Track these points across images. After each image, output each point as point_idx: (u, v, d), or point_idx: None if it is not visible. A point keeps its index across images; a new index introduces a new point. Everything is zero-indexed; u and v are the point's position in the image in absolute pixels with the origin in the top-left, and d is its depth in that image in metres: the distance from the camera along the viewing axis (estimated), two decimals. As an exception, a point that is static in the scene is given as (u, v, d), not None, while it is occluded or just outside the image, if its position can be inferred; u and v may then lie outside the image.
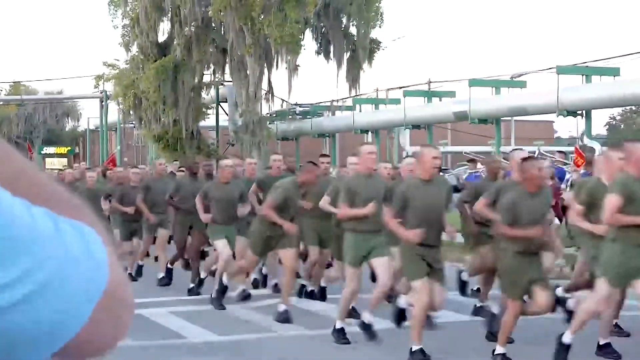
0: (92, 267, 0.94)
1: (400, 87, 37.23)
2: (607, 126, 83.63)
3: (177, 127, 37.01)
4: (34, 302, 0.88)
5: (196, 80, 37.55)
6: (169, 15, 36.98)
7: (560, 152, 32.43)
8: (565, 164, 26.24)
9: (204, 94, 40.01)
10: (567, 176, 18.20)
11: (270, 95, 37.35)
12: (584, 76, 27.61)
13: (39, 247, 0.92)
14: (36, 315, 0.89)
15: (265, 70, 35.30)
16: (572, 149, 26.41)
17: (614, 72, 27.36)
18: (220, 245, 11.58)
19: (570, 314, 8.65)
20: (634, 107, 68.42)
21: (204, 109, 40.22)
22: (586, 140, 26.59)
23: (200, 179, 13.35)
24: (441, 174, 10.47)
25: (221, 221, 11.64)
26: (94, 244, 0.97)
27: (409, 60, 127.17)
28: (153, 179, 14.90)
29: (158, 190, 13.72)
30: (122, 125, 48.06)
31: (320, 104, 43.21)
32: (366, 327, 8.88)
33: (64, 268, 0.91)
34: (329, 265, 12.04)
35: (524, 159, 8.03)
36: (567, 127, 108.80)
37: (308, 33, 35.73)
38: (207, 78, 39.13)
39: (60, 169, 28.39)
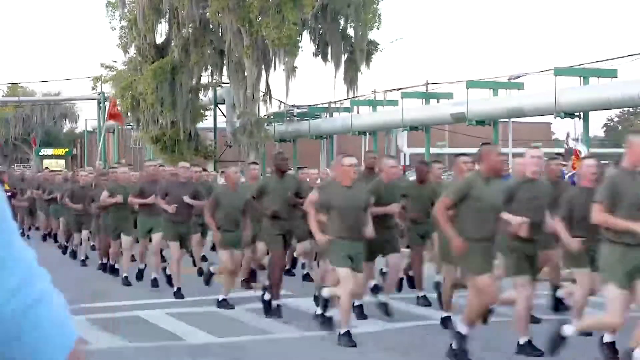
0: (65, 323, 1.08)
1: (398, 89, 37.20)
2: (605, 128, 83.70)
3: (175, 129, 37.01)
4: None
5: (194, 82, 37.56)
6: (167, 17, 36.99)
7: (557, 154, 32.33)
8: (564, 165, 26.20)
9: (201, 96, 40.03)
10: (565, 178, 18.20)
11: (267, 96, 37.36)
12: (582, 78, 27.60)
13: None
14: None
15: (263, 72, 35.32)
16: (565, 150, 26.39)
17: (612, 73, 27.36)
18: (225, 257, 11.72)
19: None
20: (631, 109, 68.43)
21: (201, 111, 40.24)
22: (571, 143, 26.62)
23: (287, 178, 11.59)
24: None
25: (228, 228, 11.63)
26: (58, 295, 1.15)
27: (407, 61, 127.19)
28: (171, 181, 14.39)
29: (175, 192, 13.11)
30: (120, 126, 48.02)
31: (318, 106, 43.18)
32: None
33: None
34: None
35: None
36: (564, 128, 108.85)
37: (306, 35, 35.76)
38: (204, 80, 39.15)
39: (60, 170, 28.32)
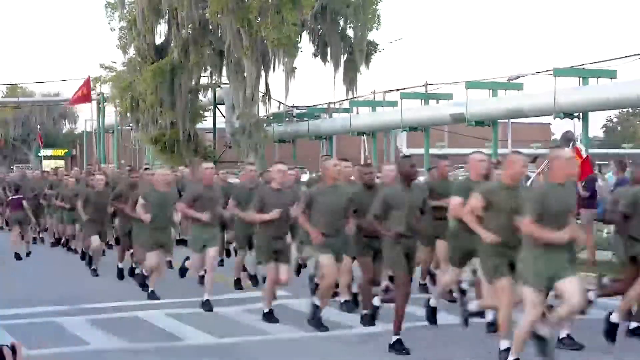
0: None
1: (397, 89, 37.18)
2: (604, 128, 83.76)
3: (174, 130, 37.02)
4: None
5: (193, 83, 37.57)
6: (166, 17, 36.98)
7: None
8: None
9: (201, 97, 40.03)
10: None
11: (267, 97, 37.37)
12: (581, 78, 27.60)
13: None
14: None
15: (263, 73, 35.32)
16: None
17: (611, 74, 27.36)
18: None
19: None
20: (630, 109, 68.47)
21: (201, 112, 40.25)
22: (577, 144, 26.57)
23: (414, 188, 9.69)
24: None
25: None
26: None
27: (406, 62, 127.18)
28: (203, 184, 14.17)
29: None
30: (119, 127, 48.03)
31: (318, 106, 43.19)
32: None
33: None
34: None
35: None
36: (564, 129, 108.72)
37: (305, 35, 35.75)
38: (204, 80, 39.15)
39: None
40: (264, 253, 10.55)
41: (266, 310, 10.60)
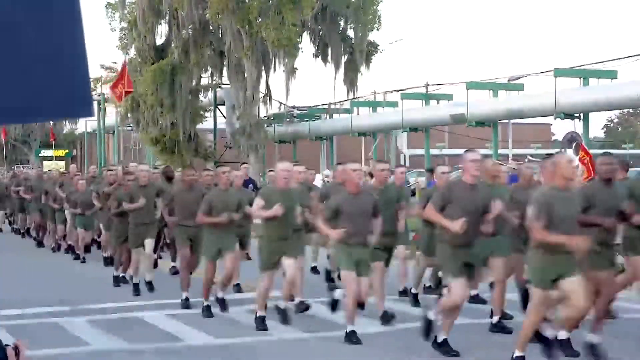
0: None
1: (398, 90, 37.26)
2: (605, 129, 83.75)
3: (175, 130, 37.03)
4: None
5: (194, 83, 37.59)
6: (167, 18, 37.01)
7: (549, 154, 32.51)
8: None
9: (201, 97, 40.06)
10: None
11: (267, 98, 37.39)
12: (582, 79, 27.63)
13: None
14: None
15: (263, 73, 35.34)
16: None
17: (612, 74, 27.39)
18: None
19: None
20: (631, 110, 68.46)
21: (201, 112, 40.28)
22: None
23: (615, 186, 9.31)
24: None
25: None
26: None
27: (407, 63, 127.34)
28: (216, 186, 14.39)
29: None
30: (119, 128, 48.04)
31: (318, 107, 43.22)
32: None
33: None
34: None
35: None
36: (564, 129, 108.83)
37: (305, 36, 35.78)
38: (204, 81, 39.18)
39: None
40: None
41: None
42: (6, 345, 2.68)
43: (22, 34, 2.14)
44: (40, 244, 20.74)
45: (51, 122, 62.03)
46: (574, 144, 17.27)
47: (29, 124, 66.51)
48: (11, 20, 2.13)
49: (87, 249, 17.83)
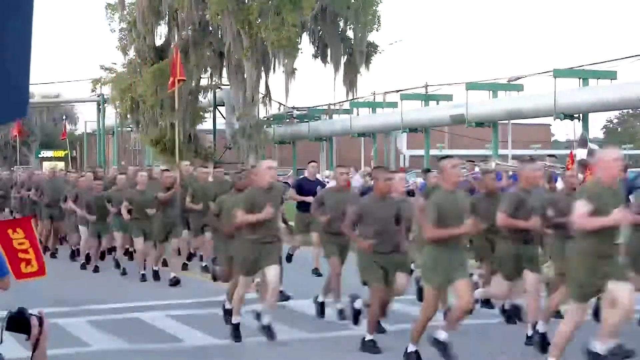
0: None
1: (398, 91, 37.26)
2: (604, 129, 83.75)
3: (174, 131, 37.04)
4: None
5: (193, 84, 37.58)
6: (166, 19, 37.03)
7: (550, 155, 32.48)
8: (562, 167, 26.20)
9: (201, 98, 40.06)
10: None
11: (267, 98, 37.39)
12: (581, 79, 27.64)
13: None
14: None
15: (263, 74, 35.36)
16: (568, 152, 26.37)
17: (611, 75, 27.40)
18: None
19: None
20: (631, 110, 68.49)
21: (201, 113, 40.27)
22: (592, 145, 26.58)
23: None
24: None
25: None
26: None
27: (406, 63, 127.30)
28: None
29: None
30: (119, 128, 48.05)
31: (318, 108, 43.22)
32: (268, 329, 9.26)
33: None
34: None
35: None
36: (564, 130, 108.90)
37: (305, 37, 35.79)
38: (204, 82, 39.16)
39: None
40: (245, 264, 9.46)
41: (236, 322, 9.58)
42: (32, 314, 2.86)
43: None
44: (53, 254, 18.31)
45: (64, 117, 62.11)
46: (588, 146, 17.17)
47: (29, 122, 66.62)
48: None
49: (102, 257, 16.57)
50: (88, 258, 16.45)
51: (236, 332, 9.44)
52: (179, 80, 17.74)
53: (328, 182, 17.44)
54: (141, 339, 9.66)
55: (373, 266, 8.67)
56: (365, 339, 8.79)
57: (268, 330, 9.18)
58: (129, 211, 14.40)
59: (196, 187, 15.03)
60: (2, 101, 2.17)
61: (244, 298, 9.57)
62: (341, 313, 10.40)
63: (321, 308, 10.71)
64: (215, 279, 11.73)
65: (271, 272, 9.15)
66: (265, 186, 9.28)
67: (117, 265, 15.64)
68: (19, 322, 2.82)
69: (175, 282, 13.57)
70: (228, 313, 9.99)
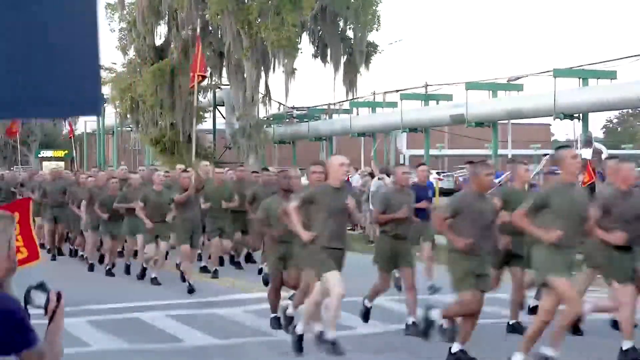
0: None
1: (397, 91, 37.24)
2: (604, 129, 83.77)
3: (174, 131, 37.05)
4: None
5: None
6: (166, 18, 37.02)
7: (546, 154, 32.57)
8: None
9: (201, 98, 40.04)
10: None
11: (267, 98, 37.38)
12: (581, 79, 27.64)
13: None
14: None
15: (262, 74, 35.35)
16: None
17: (611, 75, 27.41)
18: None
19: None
20: (630, 110, 68.51)
21: (201, 113, 40.26)
22: (598, 145, 26.55)
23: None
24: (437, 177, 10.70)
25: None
26: None
27: (406, 63, 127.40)
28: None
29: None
30: (119, 128, 48.04)
31: (317, 107, 43.22)
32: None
33: None
34: None
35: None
36: (564, 130, 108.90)
37: (305, 37, 35.78)
38: (204, 81, 39.12)
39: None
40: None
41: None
42: (50, 290, 3.10)
43: (39, 31, 2.18)
44: (54, 257, 18.16)
45: (69, 119, 62.05)
46: (593, 146, 17.11)
47: (29, 122, 66.59)
48: (31, 19, 2.18)
49: (100, 260, 16.29)
50: (101, 258, 16.19)
51: (298, 345, 8.59)
52: (198, 76, 16.93)
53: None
54: (141, 339, 9.66)
55: (468, 272, 7.90)
56: (455, 350, 8.07)
57: (333, 346, 8.25)
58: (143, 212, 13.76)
59: (211, 188, 14.76)
60: (73, 95, 2.25)
61: (320, 306, 8.67)
62: (408, 328, 9.55)
63: (367, 312, 9.96)
64: (267, 283, 10.92)
65: (335, 278, 8.23)
66: (337, 185, 8.43)
67: (127, 270, 15.02)
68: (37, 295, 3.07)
69: (191, 290, 12.92)
70: (289, 321, 9.30)
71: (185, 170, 14.87)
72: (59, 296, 3.09)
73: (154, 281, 13.91)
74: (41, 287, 3.08)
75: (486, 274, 8.02)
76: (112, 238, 15.30)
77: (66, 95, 2.21)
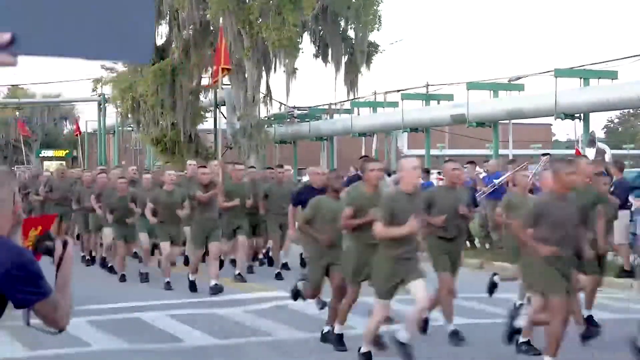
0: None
1: (398, 90, 37.19)
2: (605, 129, 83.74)
3: (175, 131, 37.06)
4: None
5: (194, 84, 37.59)
6: (167, 18, 37.02)
7: (544, 154, 32.59)
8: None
9: (202, 97, 40.05)
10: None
11: (268, 98, 37.37)
12: (582, 79, 27.59)
13: None
14: None
15: (264, 74, 35.33)
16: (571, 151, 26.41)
17: (612, 75, 27.36)
18: None
19: None
20: (632, 110, 68.48)
21: (202, 112, 40.26)
22: (601, 145, 26.57)
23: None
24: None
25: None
26: None
27: (407, 63, 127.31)
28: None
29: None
30: (120, 128, 48.05)
31: (319, 107, 43.20)
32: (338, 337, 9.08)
33: None
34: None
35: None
36: (565, 130, 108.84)
37: (306, 36, 35.76)
38: (205, 81, 39.14)
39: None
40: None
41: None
42: (57, 238, 3.17)
43: None
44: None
45: (78, 116, 62.04)
46: (596, 146, 17.09)
47: (30, 122, 66.66)
48: None
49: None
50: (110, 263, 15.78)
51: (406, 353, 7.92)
52: (223, 69, 15.84)
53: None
54: (141, 339, 9.66)
55: (556, 276, 7.53)
56: None
57: (404, 348, 7.90)
58: (154, 213, 13.44)
59: (230, 186, 14.32)
60: (126, 41, 2.32)
61: (380, 326, 8.27)
62: (452, 336, 9.15)
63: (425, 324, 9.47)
64: (296, 297, 10.18)
65: (418, 286, 7.85)
66: (410, 191, 7.94)
67: (141, 274, 14.59)
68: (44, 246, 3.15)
69: (217, 291, 12.68)
70: (339, 340, 9.00)
71: (203, 166, 14.40)
72: (64, 243, 3.12)
73: (167, 286, 13.44)
74: (47, 236, 3.13)
75: (570, 278, 7.66)
76: (125, 242, 14.76)
77: (119, 39, 2.28)
